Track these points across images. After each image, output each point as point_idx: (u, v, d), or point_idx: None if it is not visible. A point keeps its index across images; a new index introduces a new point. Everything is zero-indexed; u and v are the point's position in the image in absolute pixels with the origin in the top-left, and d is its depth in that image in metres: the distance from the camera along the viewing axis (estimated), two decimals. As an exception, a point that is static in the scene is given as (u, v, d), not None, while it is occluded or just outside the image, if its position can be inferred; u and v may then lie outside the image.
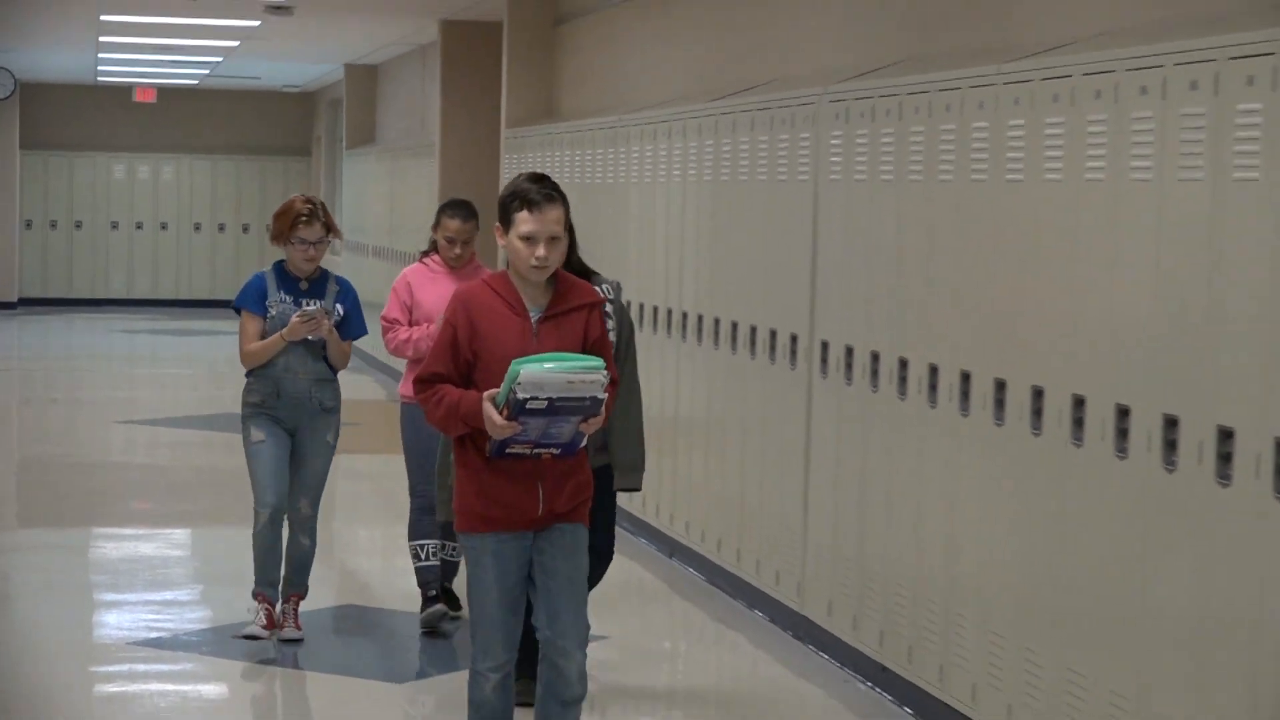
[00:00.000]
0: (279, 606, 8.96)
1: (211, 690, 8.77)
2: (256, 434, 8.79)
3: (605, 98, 15.16)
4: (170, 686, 8.78)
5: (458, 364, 6.17)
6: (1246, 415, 5.86)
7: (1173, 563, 6.27)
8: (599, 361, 6.02)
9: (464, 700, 8.41)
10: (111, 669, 9.08)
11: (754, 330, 9.94)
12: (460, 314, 6.18)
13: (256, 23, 20.10)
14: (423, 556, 9.33)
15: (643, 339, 9.83)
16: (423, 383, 6.18)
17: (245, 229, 32.66)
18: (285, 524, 8.94)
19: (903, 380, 8.19)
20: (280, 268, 8.91)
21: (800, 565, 9.37)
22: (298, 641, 8.88)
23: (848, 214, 8.96)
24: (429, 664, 9.19)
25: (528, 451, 6.09)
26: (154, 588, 10.94)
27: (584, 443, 6.19)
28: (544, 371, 5.85)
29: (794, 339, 9.53)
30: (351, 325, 8.94)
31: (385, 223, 22.56)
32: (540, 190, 6.20)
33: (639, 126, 12.56)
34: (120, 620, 10.19)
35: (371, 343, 10.48)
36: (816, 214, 9.32)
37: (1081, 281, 6.85)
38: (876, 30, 9.75)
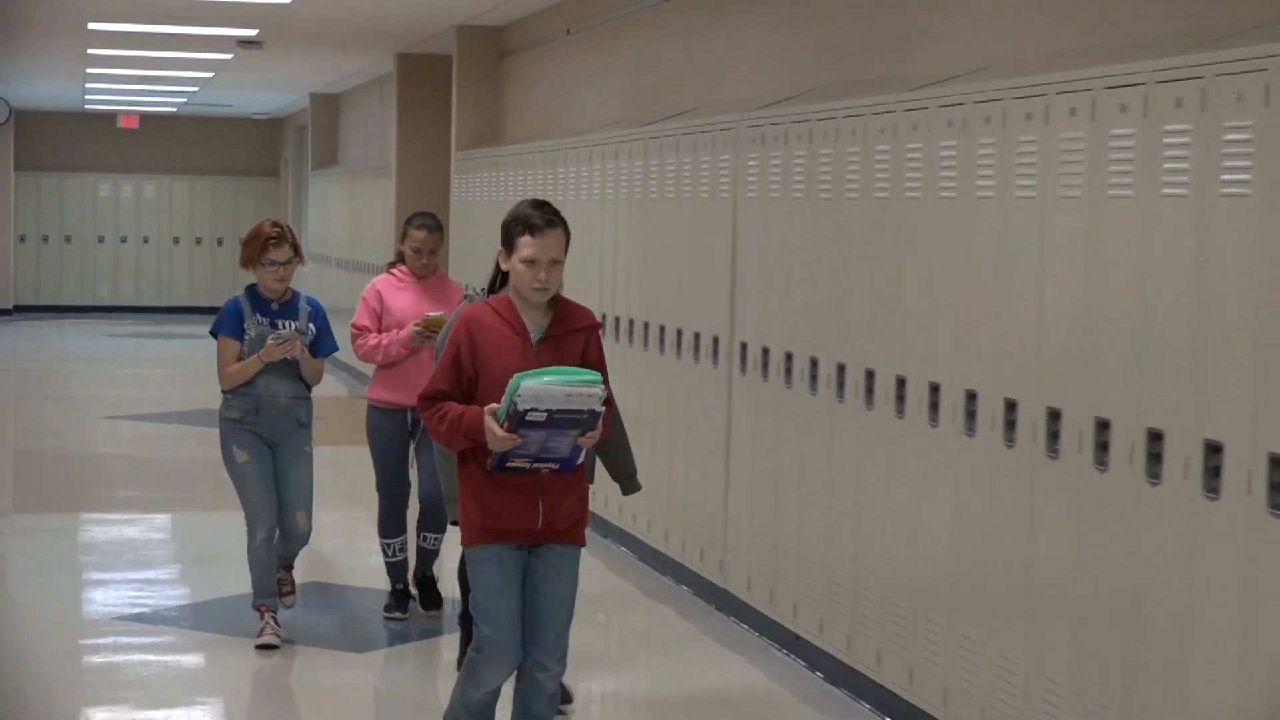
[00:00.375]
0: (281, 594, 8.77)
1: (190, 660, 8.75)
2: (241, 455, 8.37)
3: (545, 124, 15.13)
4: (152, 657, 8.76)
5: (460, 382, 5.94)
6: (1122, 411, 5.93)
7: (1026, 528, 6.35)
8: (596, 375, 5.78)
9: (417, 666, 8.50)
10: (98, 641, 9.04)
11: (680, 333, 9.97)
12: (464, 334, 5.95)
13: (229, 56, 20.02)
14: (389, 554, 9.15)
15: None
16: (427, 400, 5.97)
17: (220, 243, 32.47)
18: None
19: (814, 378, 8.22)
20: (252, 291, 8.45)
21: (722, 544, 9.41)
22: (291, 608, 8.86)
23: (764, 229, 8.99)
24: (387, 636, 9.17)
25: (527, 466, 5.83)
26: (137, 567, 10.91)
27: (582, 458, 5.95)
28: (543, 384, 5.61)
29: (716, 341, 9.56)
30: (323, 343, 8.54)
31: (347, 237, 22.48)
32: (542, 215, 5.94)
33: (575, 150, 12.55)
34: (106, 597, 10.17)
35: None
36: (735, 229, 9.35)
37: (973, 284, 6.91)
38: (790, 63, 9.78)
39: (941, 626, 7.11)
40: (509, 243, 5.96)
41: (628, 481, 7.68)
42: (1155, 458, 5.67)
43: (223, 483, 8.73)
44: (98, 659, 8.80)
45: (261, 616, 8.45)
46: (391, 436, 8.99)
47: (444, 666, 8.49)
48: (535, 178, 13.61)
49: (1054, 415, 6.28)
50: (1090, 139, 6.12)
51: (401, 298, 8.97)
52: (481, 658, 5.98)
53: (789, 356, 8.53)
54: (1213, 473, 5.42)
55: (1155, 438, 5.69)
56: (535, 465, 5.82)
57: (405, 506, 9.23)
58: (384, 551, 9.19)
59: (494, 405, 5.72)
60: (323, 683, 8.13)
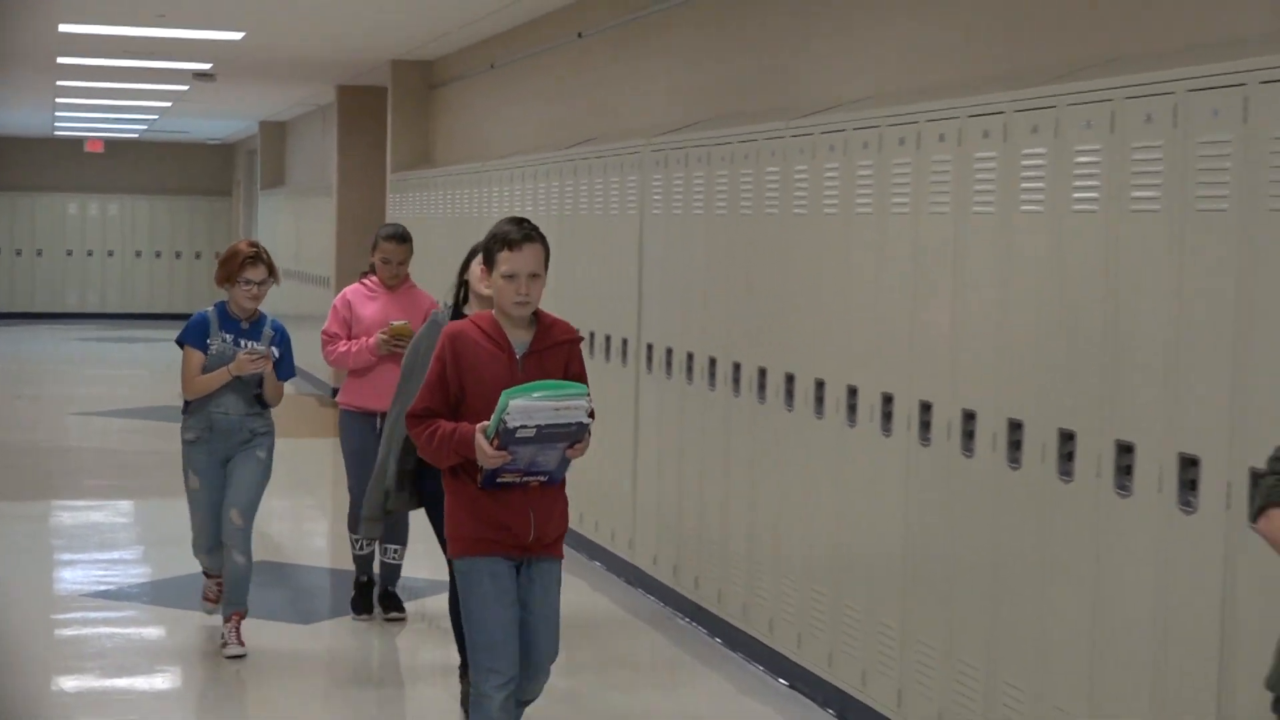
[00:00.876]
0: (224, 625, 7.89)
1: (150, 632, 8.67)
2: (193, 480, 7.80)
3: (471, 148, 15.11)
4: (117, 630, 8.68)
5: (447, 398, 5.44)
6: (985, 401, 5.95)
7: (900, 509, 6.37)
8: (582, 388, 5.34)
9: (358, 636, 8.42)
10: (68, 616, 8.95)
11: (593, 335, 9.93)
12: (448, 351, 5.46)
13: (186, 87, 19.85)
14: (357, 548, 8.60)
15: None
16: (415, 418, 5.47)
17: (178, 255, 32.28)
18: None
19: (712, 375, 8.22)
20: (222, 308, 7.74)
21: (631, 524, 9.39)
22: (241, 658, 7.79)
23: (667, 242, 8.98)
24: (330, 609, 9.10)
25: (517, 480, 5.38)
26: (103, 549, 10.81)
27: (567, 470, 5.51)
28: (531, 401, 5.16)
29: (625, 342, 9.54)
30: (283, 367, 7.77)
31: (293, 251, 22.34)
32: (519, 231, 5.43)
33: (499, 171, 12.53)
34: (75, 575, 10.07)
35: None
36: (642, 242, 9.33)
37: (853, 290, 6.93)
38: (690, 94, 9.79)
39: (828, 597, 7.11)
40: (489, 260, 5.49)
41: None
42: (1067, 456, 5.64)
43: (180, 471, 8.58)
44: (67, 632, 8.69)
45: (224, 619, 7.95)
46: (361, 440, 8.42)
47: (382, 632, 8.44)
48: (462, 197, 13.58)
49: (885, 398, 6.31)
50: (957, 161, 6.14)
51: (370, 307, 8.54)
52: (476, 676, 5.47)
53: (690, 356, 8.52)
54: (1081, 462, 5.45)
55: (1067, 437, 5.71)
56: (524, 479, 5.39)
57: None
58: (352, 545, 8.67)
59: (484, 423, 5.26)
60: (271, 650, 8.03)
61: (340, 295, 8.69)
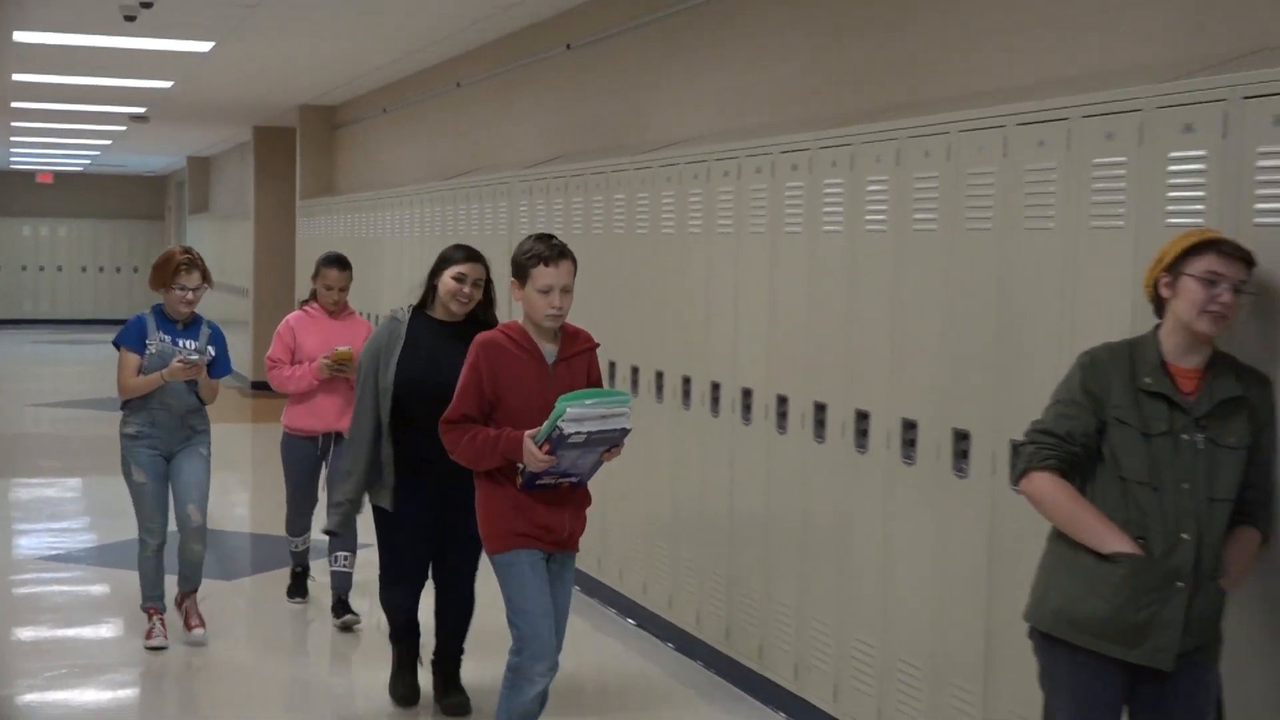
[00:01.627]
0: (180, 603, 7.23)
1: (95, 590, 8.49)
2: (138, 475, 6.90)
3: (368, 179, 14.98)
4: (67, 588, 8.48)
5: (481, 405, 4.95)
6: (796, 387, 5.99)
7: (727, 477, 6.41)
8: (627, 396, 4.90)
9: (274, 590, 8.28)
10: (25, 576, 8.74)
11: (471, 336, 9.87)
12: (483, 360, 4.98)
13: (124, 128, 19.51)
14: (294, 546, 7.91)
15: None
16: (451, 423, 4.98)
17: (118, 270, 31.68)
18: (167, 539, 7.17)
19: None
20: (159, 311, 6.93)
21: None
22: (203, 644, 7.12)
23: (533, 257, 8.91)
24: (251, 567, 8.99)
25: (552, 482, 4.93)
26: (54, 519, 10.60)
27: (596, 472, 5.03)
28: (585, 407, 4.71)
29: (498, 341, 9.49)
30: (219, 365, 6.96)
31: (216, 268, 21.86)
32: (552, 248, 5.01)
33: (392, 199, 12.41)
34: (30, 542, 9.84)
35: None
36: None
37: (688, 298, 6.94)
38: (552, 134, 9.78)
39: (668, 551, 7.13)
40: (522, 275, 5.01)
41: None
42: (862, 433, 5.71)
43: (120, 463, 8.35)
44: (23, 590, 8.46)
45: (150, 619, 7.12)
46: (304, 460, 7.60)
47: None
48: (361, 220, 13.46)
49: (714, 386, 6.34)
50: (771, 190, 6.18)
51: (313, 332, 7.54)
52: (525, 656, 4.96)
53: (552, 352, 8.48)
54: (870, 435, 5.50)
55: (862, 417, 5.74)
56: (559, 480, 4.94)
57: (310, 516, 7.83)
58: (290, 545, 7.93)
59: (534, 430, 4.79)
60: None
61: (284, 322, 7.69)
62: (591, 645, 7.34)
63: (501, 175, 9.63)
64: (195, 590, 7.22)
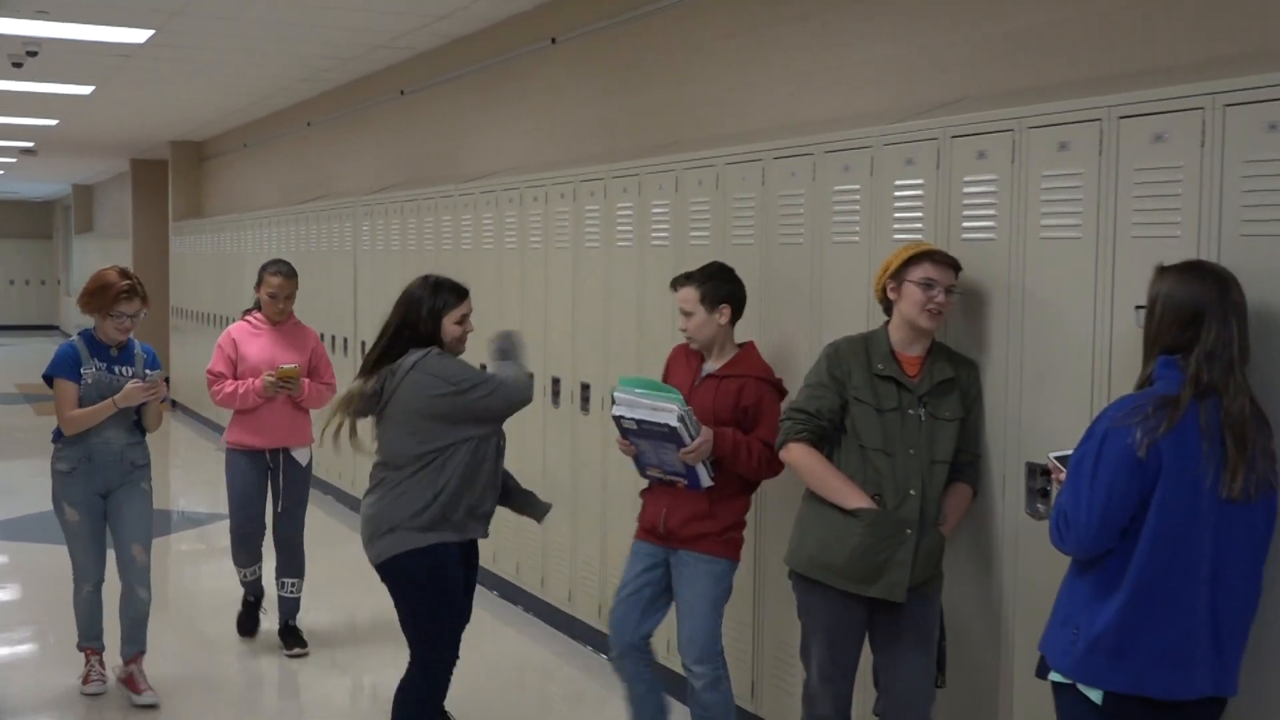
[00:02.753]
0: (125, 668, 5.43)
1: (2, 560, 8.06)
2: (71, 513, 5.24)
3: (231, 204, 14.56)
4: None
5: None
6: (567, 370, 5.94)
7: (555, 452, 6.35)
8: (676, 394, 4.12)
9: (175, 561, 7.92)
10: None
11: (322, 336, 9.63)
12: (672, 360, 4.51)
13: (14, 160, 18.71)
14: (244, 576, 6.13)
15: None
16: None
17: (11, 282, 30.21)
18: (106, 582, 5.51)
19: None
20: (89, 336, 5.24)
21: (354, 468, 9.17)
22: (155, 707, 5.32)
23: (373, 271, 8.74)
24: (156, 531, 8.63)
25: (660, 476, 4.26)
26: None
27: (709, 480, 4.16)
28: (625, 391, 4.15)
29: (345, 340, 9.26)
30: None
31: (101, 278, 21.36)
32: (676, 278, 4.42)
33: (251, 221, 12.03)
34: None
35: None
36: (356, 271, 9.07)
37: (501, 303, 6.86)
38: (388, 166, 9.64)
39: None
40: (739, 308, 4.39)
41: (534, 511, 4.63)
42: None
43: (23, 441, 7.91)
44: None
45: (87, 661, 5.51)
46: (249, 479, 5.98)
47: (176, 555, 8.01)
48: (225, 239, 13.06)
49: (559, 380, 6.27)
50: (573, 212, 6.12)
51: (256, 344, 6.03)
52: (609, 639, 4.41)
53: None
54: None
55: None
56: (669, 477, 4.24)
57: (259, 542, 6.12)
58: (239, 575, 6.18)
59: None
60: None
61: (224, 333, 6.11)
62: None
63: (345, 201, 9.41)
64: (143, 654, 5.45)
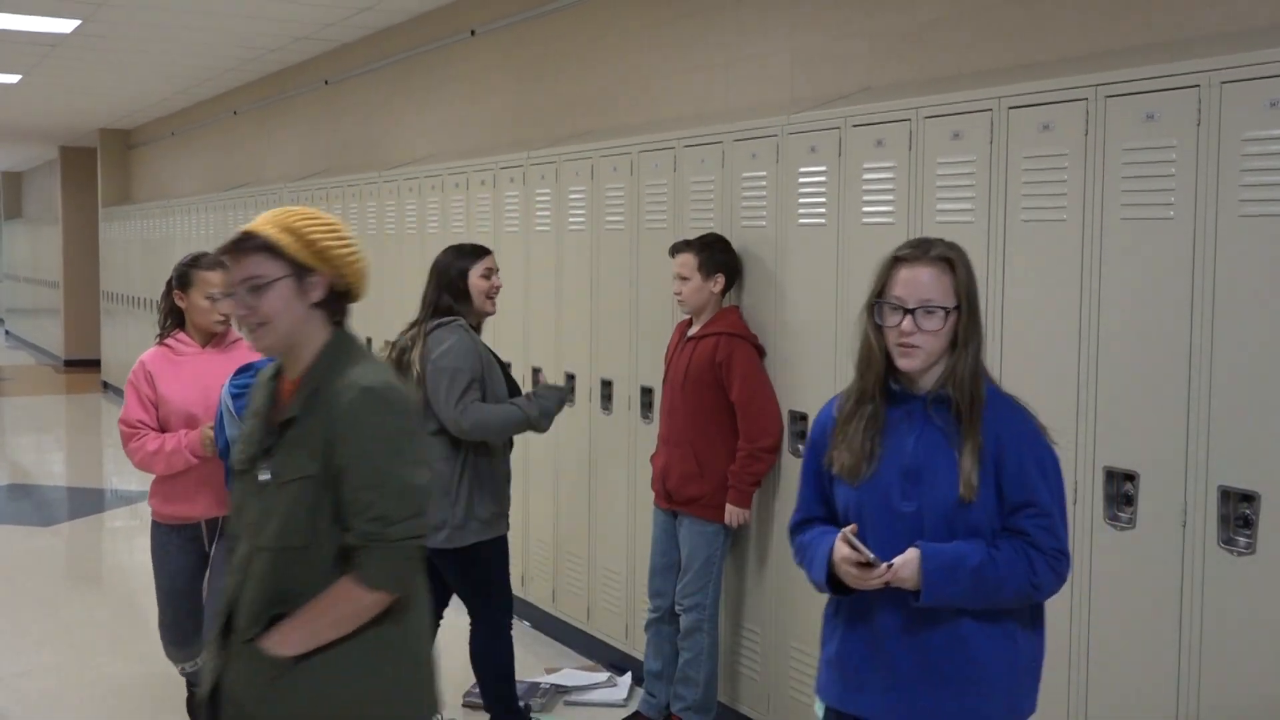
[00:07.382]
0: None
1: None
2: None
3: (159, 190, 14.22)
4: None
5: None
6: (547, 361, 5.90)
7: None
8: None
9: (90, 537, 7.78)
10: None
11: (250, 318, 9.49)
12: (674, 335, 4.46)
13: (-57, 147, 18.18)
14: (181, 670, 4.24)
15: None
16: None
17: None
18: None
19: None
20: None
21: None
22: None
23: (300, 253, 8.61)
24: (68, 514, 8.41)
25: None
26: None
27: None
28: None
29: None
30: None
31: (29, 266, 20.78)
32: (675, 244, 4.37)
33: (179, 207, 11.80)
34: None
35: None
36: (283, 253, 8.93)
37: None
38: (313, 153, 9.48)
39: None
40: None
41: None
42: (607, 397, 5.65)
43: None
44: None
45: None
46: (181, 560, 4.08)
47: (109, 531, 7.84)
48: (153, 225, 12.79)
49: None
50: (493, 198, 6.07)
51: (179, 378, 4.03)
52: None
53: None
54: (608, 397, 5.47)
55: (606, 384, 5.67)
56: None
57: (199, 635, 4.09)
58: (176, 668, 4.30)
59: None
60: (20, 547, 7.37)
61: (137, 367, 4.06)
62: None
63: (271, 187, 9.23)
64: None
